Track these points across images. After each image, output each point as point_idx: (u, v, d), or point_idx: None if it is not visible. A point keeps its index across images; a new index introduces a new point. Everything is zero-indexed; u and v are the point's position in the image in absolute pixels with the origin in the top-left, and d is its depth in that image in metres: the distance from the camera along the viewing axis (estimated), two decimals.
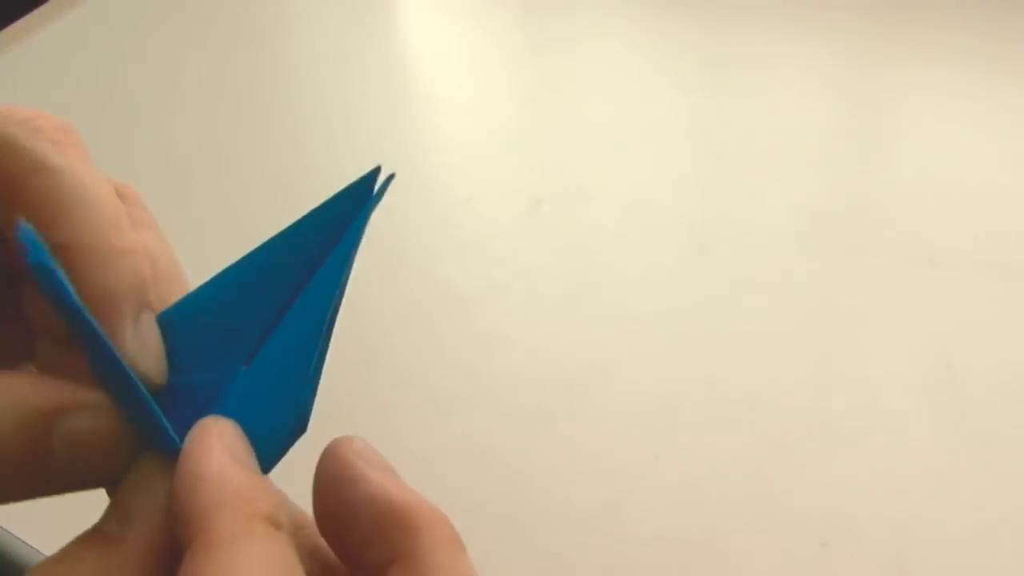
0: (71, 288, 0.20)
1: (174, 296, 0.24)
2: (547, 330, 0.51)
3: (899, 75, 0.65)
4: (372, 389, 0.49)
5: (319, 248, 0.23)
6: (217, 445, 0.21)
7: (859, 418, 0.45)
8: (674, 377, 0.48)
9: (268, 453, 0.22)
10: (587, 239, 0.56)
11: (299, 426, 0.23)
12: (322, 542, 0.23)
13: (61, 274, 0.20)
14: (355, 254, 0.23)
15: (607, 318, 0.51)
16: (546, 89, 0.69)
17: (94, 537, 0.20)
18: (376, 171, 0.23)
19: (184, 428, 0.21)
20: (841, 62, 0.67)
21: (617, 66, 0.69)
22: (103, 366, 0.21)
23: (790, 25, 0.70)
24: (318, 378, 0.23)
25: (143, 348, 0.22)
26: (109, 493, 0.22)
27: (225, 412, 0.22)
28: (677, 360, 0.49)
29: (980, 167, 0.57)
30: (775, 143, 0.61)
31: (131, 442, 0.21)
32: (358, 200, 0.23)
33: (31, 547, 0.43)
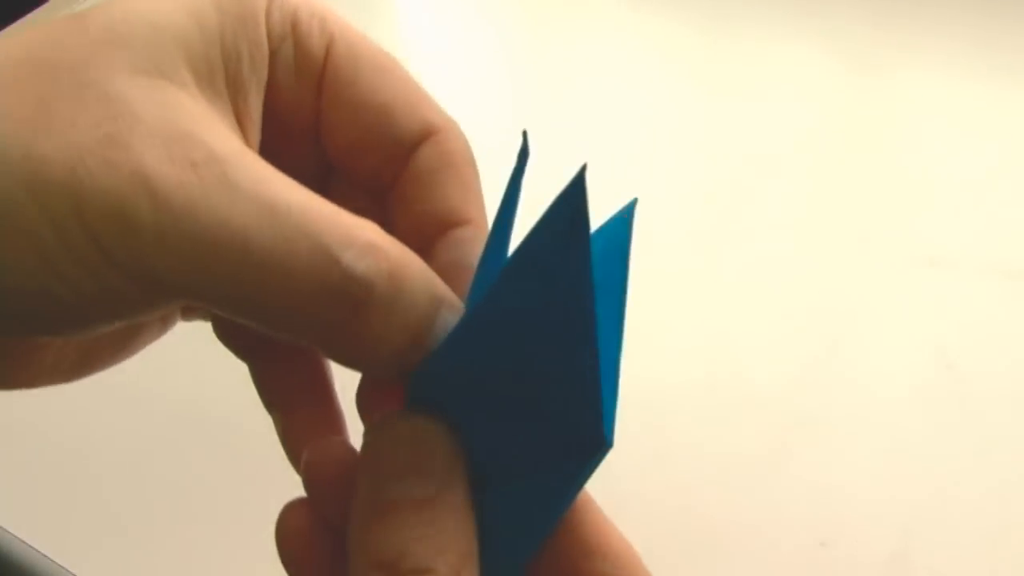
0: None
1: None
2: None
3: (900, 74, 0.65)
4: None
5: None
6: None
7: (859, 418, 0.45)
8: (673, 377, 0.48)
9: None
10: None
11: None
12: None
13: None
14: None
15: None
16: (545, 90, 0.69)
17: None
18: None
19: None
20: (842, 61, 0.67)
21: (617, 66, 0.69)
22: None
23: (791, 25, 0.70)
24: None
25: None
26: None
27: None
28: (676, 360, 0.49)
29: (981, 166, 0.57)
30: (775, 143, 0.61)
31: None
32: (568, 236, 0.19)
33: (31, 547, 0.43)
